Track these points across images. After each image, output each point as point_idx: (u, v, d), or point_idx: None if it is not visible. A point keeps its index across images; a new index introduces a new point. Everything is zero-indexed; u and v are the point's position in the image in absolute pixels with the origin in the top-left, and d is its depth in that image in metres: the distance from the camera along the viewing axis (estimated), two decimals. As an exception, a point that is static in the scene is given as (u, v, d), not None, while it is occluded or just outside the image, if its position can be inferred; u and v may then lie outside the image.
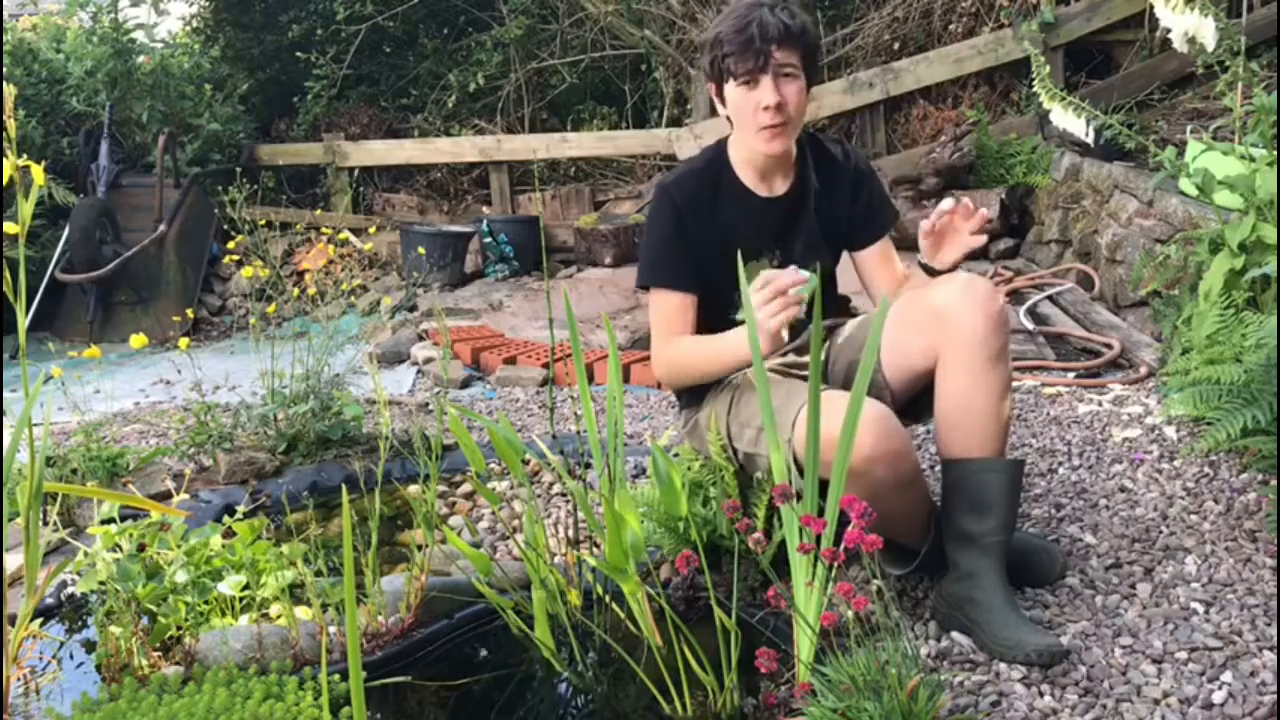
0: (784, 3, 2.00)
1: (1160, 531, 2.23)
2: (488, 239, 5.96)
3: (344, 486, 1.84)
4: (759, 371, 1.74)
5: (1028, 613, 1.93)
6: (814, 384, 1.67)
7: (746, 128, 2.03)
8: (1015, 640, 1.74)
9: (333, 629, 1.90)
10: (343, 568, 2.11)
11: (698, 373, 2.10)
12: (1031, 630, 1.76)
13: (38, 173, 1.94)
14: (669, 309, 2.09)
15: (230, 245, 3.77)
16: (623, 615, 1.94)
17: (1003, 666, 1.75)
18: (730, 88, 2.02)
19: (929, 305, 1.88)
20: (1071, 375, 3.42)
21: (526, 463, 2.40)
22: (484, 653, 2.00)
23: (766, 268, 2.06)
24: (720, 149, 2.15)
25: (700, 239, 2.08)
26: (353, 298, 5.28)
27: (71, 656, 2.04)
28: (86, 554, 2.08)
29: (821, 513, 1.62)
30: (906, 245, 2.64)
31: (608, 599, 1.99)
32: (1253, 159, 2.75)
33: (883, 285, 2.18)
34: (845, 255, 2.24)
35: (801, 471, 1.68)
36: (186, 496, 2.58)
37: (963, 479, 1.87)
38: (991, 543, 1.84)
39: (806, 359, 1.96)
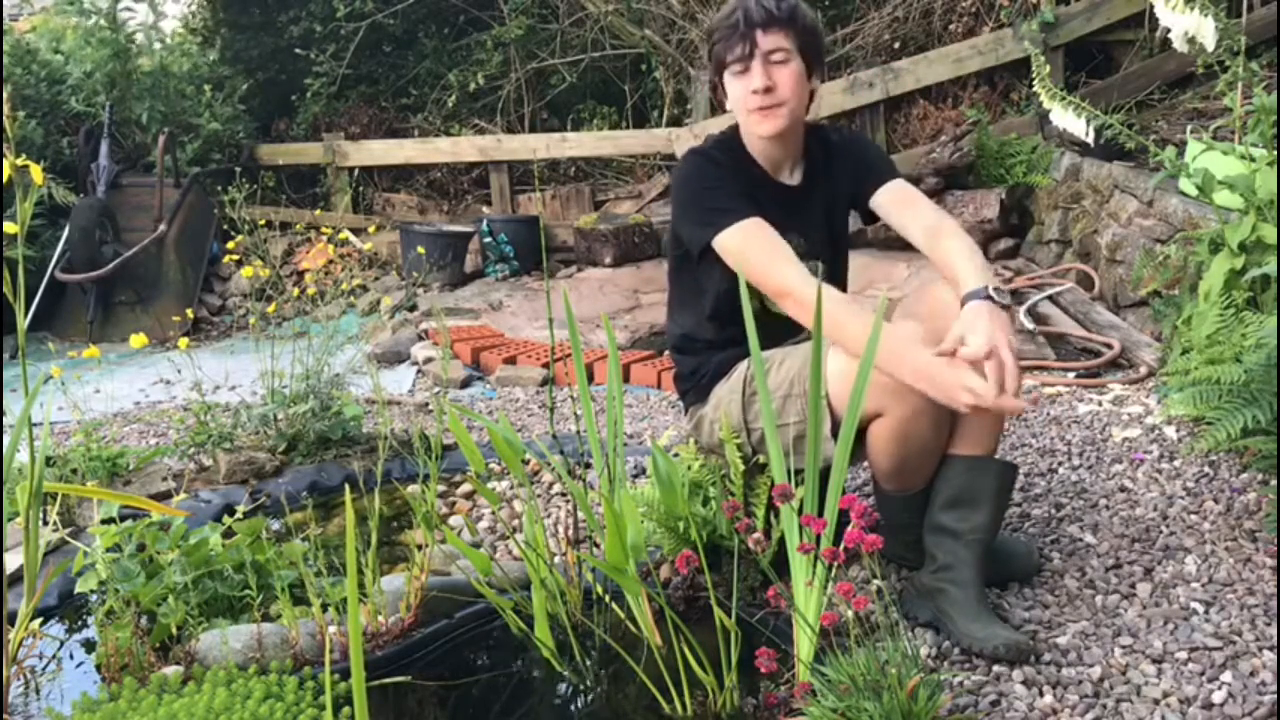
0: None
1: (1160, 531, 2.23)
2: (488, 239, 5.96)
3: (346, 486, 1.84)
4: (759, 374, 1.75)
5: (1027, 612, 1.93)
6: (814, 384, 1.67)
7: (741, 114, 2.03)
8: (983, 634, 1.77)
9: (332, 629, 1.89)
10: (342, 567, 2.11)
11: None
12: (1000, 625, 1.81)
13: (37, 173, 1.94)
14: (758, 234, 1.92)
15: (230, 245, 3.77)
16: (623, 615, 1.94)
17: (1003, 667, 1.76)
18: (727, 79, 2.03)
19: (933, 300, 1.89)
20: (1071, 375, 3.42)
21: (526, 463, 2.40)
22: (484, 653, 2.00)
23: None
24: (736, 135, 2.11)
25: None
26: (353, 298, 5.27)
27: (71, 656, 2.04)
28: (86, 554, 2.07)
29: (821, 512, 1.62)
30: (902, 245, 2.63)
31: (608, 599, 1.99)
32: (1253, 159, 2.75)
33: (914, 228, 2.05)
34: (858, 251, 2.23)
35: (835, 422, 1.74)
36: (186, 496, 2.58)
37: (951, 474, 1.89)
38: (972, 540, 1.86)
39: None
